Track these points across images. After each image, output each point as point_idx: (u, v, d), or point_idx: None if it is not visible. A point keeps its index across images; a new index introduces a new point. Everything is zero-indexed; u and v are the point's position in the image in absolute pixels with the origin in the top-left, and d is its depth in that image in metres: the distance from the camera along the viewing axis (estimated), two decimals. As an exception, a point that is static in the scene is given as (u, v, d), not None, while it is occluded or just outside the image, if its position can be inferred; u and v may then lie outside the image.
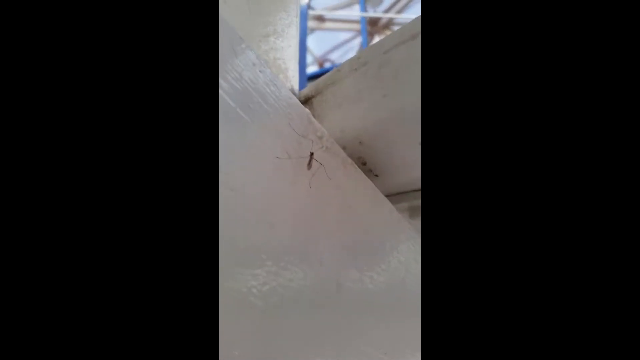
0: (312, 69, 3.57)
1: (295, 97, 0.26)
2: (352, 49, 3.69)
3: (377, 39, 3.69)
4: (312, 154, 0.25)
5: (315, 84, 0.37)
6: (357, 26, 3.58)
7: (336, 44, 3.79)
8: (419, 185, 0.41)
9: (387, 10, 3.69)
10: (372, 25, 3.60)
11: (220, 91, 0.21)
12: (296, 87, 0.38)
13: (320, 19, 3.54)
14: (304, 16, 2.35)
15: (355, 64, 0.33)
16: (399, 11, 3.60)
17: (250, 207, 0.22)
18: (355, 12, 3.56)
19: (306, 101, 0.38)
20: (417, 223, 0.43)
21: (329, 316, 0.25)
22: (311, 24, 3.51)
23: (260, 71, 0.24)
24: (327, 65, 3.65)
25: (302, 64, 2.39)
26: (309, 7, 3.15)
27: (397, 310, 0.30)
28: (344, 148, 0.32)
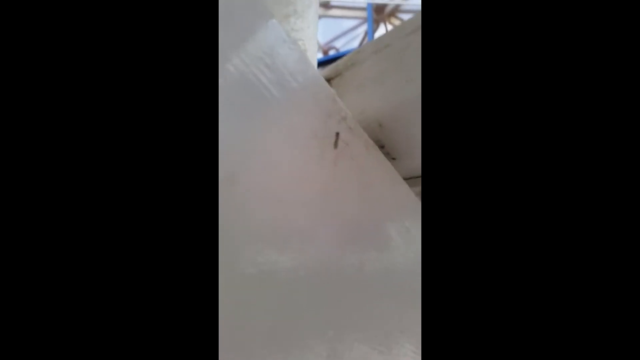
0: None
1: (321, 76, 0.26)
2: (356, 37, 3.65)
3: (382, 27, 3.64)
4: (337, 133, 0.26)
5: (335, 65, 0.37)
6: (363, 13, 3.53)
7: (341, 32, 3.73)
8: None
9: (394, -2, 3.62)
10: (378, 13, 3.55)
11: (255, 69, 0.21)
12: (315, 68, 0.38)
13: (327, 5, 3.48)
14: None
15: (377, 45, 0.33)
16: (406, -1, 3.54)
17: (281, 184, 0.22)
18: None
19: (327, 82, 0.38)
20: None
21: (353, 296, 0.26)
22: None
23: (290, 48, 0.24)
24: (331, 52, 3.60)
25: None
26: (315, -8, 3.09)
27: (412, 293, 0.31)
28: (363, 129, 0.32)
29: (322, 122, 0.25)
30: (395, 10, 3.59)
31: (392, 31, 0.33)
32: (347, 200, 0.26)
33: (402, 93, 0.31)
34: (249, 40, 0.22)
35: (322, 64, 3.51)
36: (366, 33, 3.43)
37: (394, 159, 0.37)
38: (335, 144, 0.25)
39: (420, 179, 0.44)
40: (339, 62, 0.36)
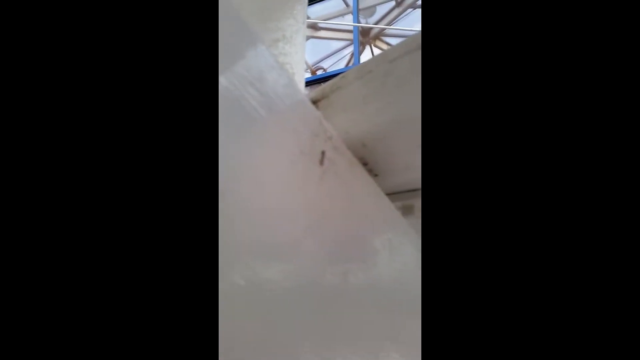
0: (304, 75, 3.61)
1: (308, 100, 0.28)
2: (343, 58, 3.76)
3: (367, 49, 3.77)
4: (323, 152, 0.27)
5: (322, 88, 0.39)
6: (350, 35, 3.66)
7: (328, 53, 3.85)
8: (413, 185, 0.43)
9: (378, 22, 3.78)
10: (364, 36, 3.68)
11: (245, 93, 0.23)
12: (303, 90, 0.40)
13: (315, 27, 3.60)
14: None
15: (361, 71, 0.35)
16: (390, 23, 3.69)
17: (270, 198, 0.24)
18: (348, 21, 3.63)
19: (314, 103, 0.40)
20: (409, 220, 0.46)
21: (339, 307, 0.27)
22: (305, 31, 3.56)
23: (278, 74, 0.26)
24: (319, 72, 3.69)
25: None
26: (303, 14, 3.20)
27: (397, 303, 0.32)
28: (348, 148, 0.34)
29: (309, 140, 0.27)
30: (380, 33, 3.73)
31: (374, 58, 0.35)
32: (332, 213, 0.28)
33: (383, 115, 0.33)
34: (239, 64, 0.24)
35: (310, 83, 3.58)
36: (352, 54, 3.54)
37: (376, 175, 0.39)
38: (321, 162, 0.27)
39: (400, 194, 0.46)
40: (325, 85, 0.38)
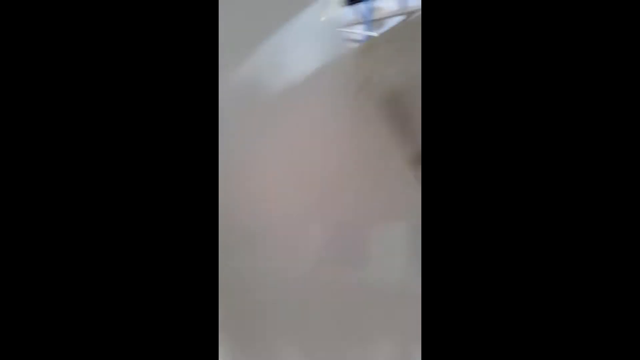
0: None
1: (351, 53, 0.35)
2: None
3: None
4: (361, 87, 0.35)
5: (364, 44, 0.47)
6: (360, 45, 3.70)
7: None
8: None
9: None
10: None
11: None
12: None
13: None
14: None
15: (389, 35, 0.44)
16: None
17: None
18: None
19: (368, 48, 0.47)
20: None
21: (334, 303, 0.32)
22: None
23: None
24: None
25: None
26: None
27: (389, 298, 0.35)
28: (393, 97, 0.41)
29: (352, 71, 0.35)
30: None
31: (399, 24, 0.43)
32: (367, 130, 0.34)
33: (407, 72, 0.41)
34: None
35: None
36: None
37: (406, 120, 0.46)
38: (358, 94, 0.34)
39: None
40: (367, 41, 0.46)
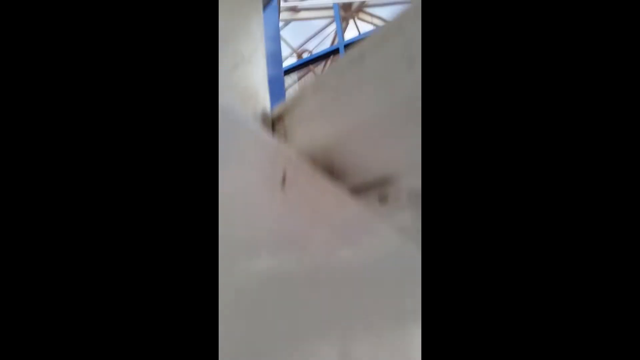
0: (290, 61, 3.57)
1: (263, 132, 0.32)
2: (328, 37, 3.69)
3: (351, 23, 3.69)
4: (284, 175, 0.31)
5: (284, 103, 0.42)
6: (331, 12, 3.58)
7: (312, 33, 3.77)
8: (382, 177, 0.47)
9: (358, -7, 3.67)
10: (346, 11, 3.60)
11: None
12: (268, 108, 0.43)
13: (294, 9, 3.52)
14: (274, 9, 2.35)
15: (317, 85, 0.38)
16: (371, -7, 3.59)
17: (238, 222, 0.27)
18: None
19: (279, 119, 0.44)
20: (387, 208, 0.50)
21: (312, 303, 0.31)
22: (285, 15, 3.50)
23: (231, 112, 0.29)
24: (305, 55, 3.64)
25: (278, 59, 2.40)
26: (280, -1, 3.13)
27: (381, 286, 0.36)
28: (314, 158, 0.38)
29: (270, 167, 0.31)
30: (362, 5, 3.64)
31: (327, 70, 0.38)
32: (299, 230, 0.32)
33: (339, 124, 0.36)
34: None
35: (297, 67, 3.55)
36: (336, 32, 3.48)
37: (345, 177, 0.43)
38: (283, 184, 0.31)
39: (373, 186, 0.49)
40: (287, 100, 0.42)
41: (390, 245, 0.42)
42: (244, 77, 0.43)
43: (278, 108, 0.43)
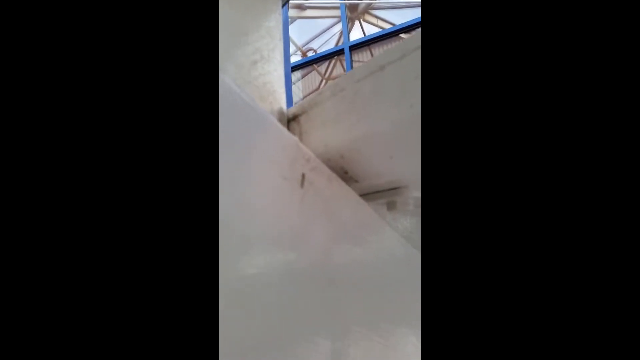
0: (294, 58, 3.56)
1: (285, 130, 0.32)
2: (333, 37, 3.69)
3: (357, 24, 3.69)
4: (303, 174, 0.31)
5: (301, 104, 0.42)
6: (337, 12, 3.58)
7: (317, 32, 3.77)
8: (394, 184, 0.47)
9: (366, -5, 3.67)
10: (352, 11, 3.60)
11: (225, 130, 0.27)
12: (284, 107, 0.43)
13: (301, 7, 3.51)
14: (285, 7, 2.35)
15: (334, 89, 0.39)
16: (378, -5, 3.59)
17: (255, 222, 0.28)
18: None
19: (294, 118, 0.44)
20: (393, 214, 0.51)
21: (324, 299, 0.32)
22: (291, 12, 3.49)
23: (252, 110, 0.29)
24: (310, 54, 3.63)
25: (287, 56, 2.40)
26: (288, -4, 3.12)
27: (384, 288, 0.37)
28: (328, 160, 0.38)
29: (289, 166, 0.31)
30: (368, 7, 3.64)
31: (346, 76, 0.38)
32: (315, 228, 0.32)
33: (355, 130, 0.37)
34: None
35: (301, 65, 3.54)
36: (342, 32, 3.48)
37: (357, 181, 0.43)
38: (302, 184, 0.31)
39: (382, 192, 0.50)
40: (304, 101, 0.42)
41: (395, 249, 0.43)
42: (262, 75, 0.43)
43: (294, 108, 0.43)
